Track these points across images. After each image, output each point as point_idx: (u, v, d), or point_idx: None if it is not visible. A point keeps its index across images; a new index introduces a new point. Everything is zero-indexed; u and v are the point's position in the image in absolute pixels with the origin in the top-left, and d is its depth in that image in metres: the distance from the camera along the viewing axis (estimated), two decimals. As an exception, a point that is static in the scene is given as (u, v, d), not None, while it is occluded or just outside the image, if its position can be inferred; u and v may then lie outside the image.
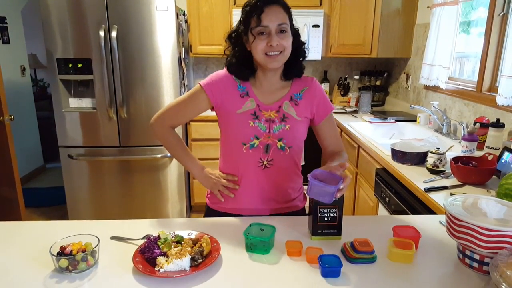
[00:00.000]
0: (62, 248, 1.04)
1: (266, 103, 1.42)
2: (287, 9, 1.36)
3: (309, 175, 1.16)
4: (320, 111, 1.47)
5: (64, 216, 3.63)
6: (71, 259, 1.01)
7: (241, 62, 1.40)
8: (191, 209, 3.82)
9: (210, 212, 1.54)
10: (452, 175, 1.82)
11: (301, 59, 1.45)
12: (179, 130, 3.24)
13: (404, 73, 3.68)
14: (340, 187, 1.15)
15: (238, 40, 1.39)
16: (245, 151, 1.41)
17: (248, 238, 1.14)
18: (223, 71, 1.46)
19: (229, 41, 1.43)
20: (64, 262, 1.01)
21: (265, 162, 1.43)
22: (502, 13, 2.34)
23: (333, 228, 1.22)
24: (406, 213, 1.82)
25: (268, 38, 1.31)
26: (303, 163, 1.76)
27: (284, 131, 1.41)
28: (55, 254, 1.02)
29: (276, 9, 1.32)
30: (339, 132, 1.54)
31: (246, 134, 1.40)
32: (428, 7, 3.07)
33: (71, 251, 1.02)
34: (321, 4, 3.63)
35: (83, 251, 1.04)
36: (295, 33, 1.41)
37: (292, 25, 1.38)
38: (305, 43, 1.46)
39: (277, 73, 1.42)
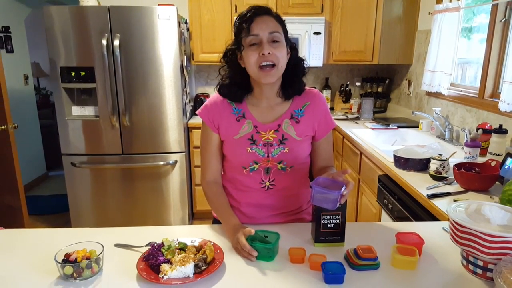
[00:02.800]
0: (67, 256, 1.04)
1: (265, 122, 1.38)
2: (280, 21, 1.31)
3: (312, 183, 1.17)
4: (321, 129, 1.43)
5: (67, 223, 3.63)
6: (76, 266, 1.01)
7: (234, 83, 1.36)
8: (193, 217, 3.82)
9: (217, 223, 1.52)
10: (455, 181, 1.82)
11: (301, 75, 1.39)
12: (182, 139, 3.26)
13: (406, 80, 3.69)
14: (343, 193, 1.14)
15: (233, 58, 1.35)
16: (246, 173, 1.40)
17: (253, 246, 1.14)
18: (217, 94, 1.43)
19: (224, 60, 1.38)
20: (69, 269, 1.01)
21: (267, 183, 1.41)
22: (504, 19, 2.35)
23: (336, 235, 1.22)
24: (409, 220, 1.82)
25: (259, 48, 1.25)
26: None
27: (283, 154, 1.37)
28: (60, 262, 1.03)
29: (267, 18, 1.28)
30: (332, 150, 1.51)
31: (244, 160, 1.38)
32: (429, 13, 3.09)
33: (76, 259, 1.03)
34: (322, 12, 3.64)
35: (88, 258, 1.04)
36: (292, 47, 1.35)
37: (288, 39, 1.33)
38: (304, 59, 1.40)
39: (274, 88, 1.37)
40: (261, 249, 1.13)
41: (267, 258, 1.13)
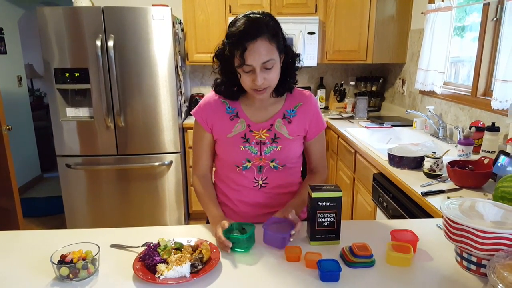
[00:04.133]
0: (63, 257, 1.04)
1: (258, 122, 1.41)
2: (274, 37, 1.25)
3: (263, 224, 1.23)
4: (312, 129, 1.46)
5: (62, 225, 3.62)
6: (72, 267, 1.01)
7: (230, 80, 1.36)
8: (189, 217, 3.82)
9: None
10: (449, 179, 1.83)
11: (294, 75, 1.40)
12: (177, 139, 3.25)
13: (400, 79, 3.71)
14: (292, 232, 1.19)
15: (226, 58, 1.31)
16: (238, 172, 1.42)
17: (228, 237, 1.17)
18: (211, 94, 1.45)
19: (217, 60, 1.36)
20: (65, 270, 1.01)
21: (260, 182, 1.43)
22: (495, 18, 2.37)
23: (332, 233, 1.23)
24: (404, 218, 1.83)
25: (253, 75, 1.26)
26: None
27: (275, 152, 1.39)
28: (56, 263, 1.03)
29: (261, 44, 1.21)
30: (325, 150, 1.54)
31: (237, 158, 1.40)
32: (422, 13, 3.11)
33: (72, 260, 1.03)
34: (316, 11, 3.66)
35: (84, 259, 1.04)
36: (286, 52, 1.33)
37: (283, 43, 1.30)
38: (299, 54, 1.39)
39: None
40: (235, 239, 1.17)
41: (241, 249, 1.17)
